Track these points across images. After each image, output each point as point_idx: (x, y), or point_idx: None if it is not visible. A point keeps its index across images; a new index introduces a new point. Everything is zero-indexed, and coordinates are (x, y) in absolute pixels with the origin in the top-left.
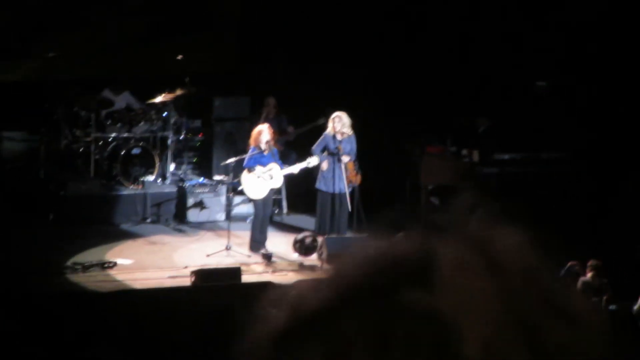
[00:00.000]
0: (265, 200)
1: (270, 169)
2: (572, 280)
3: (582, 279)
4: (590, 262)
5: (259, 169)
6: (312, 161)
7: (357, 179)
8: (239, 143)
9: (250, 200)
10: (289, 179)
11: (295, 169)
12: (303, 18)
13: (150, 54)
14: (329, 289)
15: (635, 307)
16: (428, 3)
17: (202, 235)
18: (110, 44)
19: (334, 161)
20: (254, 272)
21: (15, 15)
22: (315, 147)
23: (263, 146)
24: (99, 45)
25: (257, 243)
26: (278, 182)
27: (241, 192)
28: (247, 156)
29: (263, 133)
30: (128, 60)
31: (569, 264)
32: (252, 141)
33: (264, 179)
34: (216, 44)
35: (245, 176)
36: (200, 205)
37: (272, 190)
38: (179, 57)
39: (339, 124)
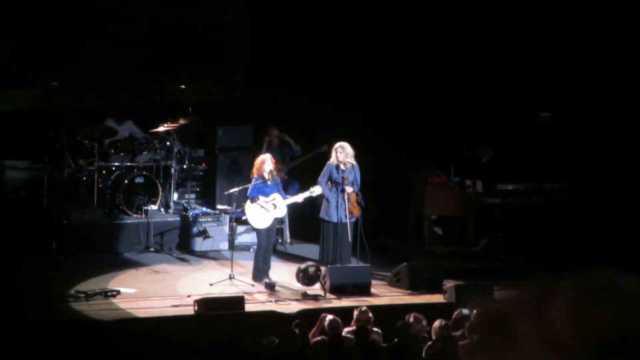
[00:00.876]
0: (268, 229)
1: (273, 199)
2: None
3: None
4: None
5: (262, 199)
6: (315, 190)
7: (356, 211)
8: (242, 172)
9: (253, 229)
10: (292, 208)
11: (299, 198)
12: (307, 47)
13: (153, 83)
14: None
15: None
16: (430, 36)
17: (205, 265)
18: (112, 73)
19: (337, 191)
20: (258, 301)
21: (18, 44)
22: (321, 178)
23: (266, 176)
24: (102, 74)
25: (260, 272)
26: (281, 211)
27: (244, 222)
28: (250, 186)
29: (266, 163)
30: (130, 90)
31: None
32: (255, 171)
33: (267, 209)
34: (220, 74)
35: (248, 206)
36: (203, 234)
37: (275, 219)
38: (182, 87)
39: (342, 154)
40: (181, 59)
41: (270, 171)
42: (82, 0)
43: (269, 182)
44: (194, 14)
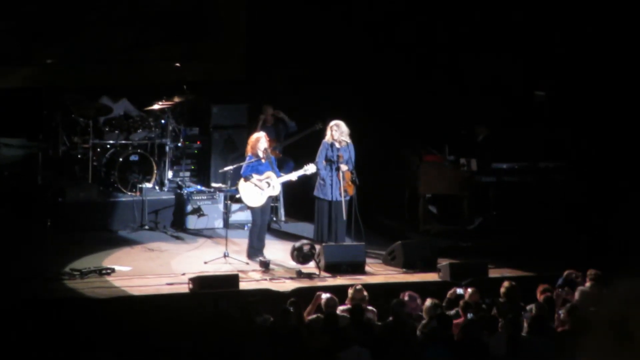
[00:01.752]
0: (263, 208)
1: (267, 177)
2: (569, 290)
3: (580, 288)
4: (590, 272)
5: (255, 177)
6: (309, 168)
7: (350, 190)
8: (237, 150)
9: (247, 208)
10: (286, 186)
11: (293, 176)
12: (304, 26)
13: (148, 61)
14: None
15: None
16: (426, 13)
17: (200, 243)
18: (108, 51)
19: (332, 169)
20: (252, 279)
21: (14, 22)
22: (318, 158)
23: (260, 154)
24: (97, 52)
25: (254, 250)
26: (275, 190)
27: (239, 200)
28: (244, 164)
29: (260, 141)
30: (125, 68)
31: (566, 272)
32: (249, 149)
33: (260, 187)
34: (215, 53)
35: (242, 184)
36: (198, 212)
37: (270, 198)
38: (177, 65)
39: (337, 132)
40: (176, 37)
41: (265, 149)
42: None
43: (263, 161)
44: None
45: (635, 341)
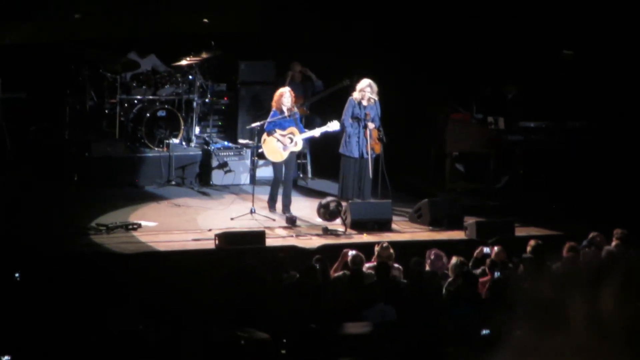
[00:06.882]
0: (286, 163)
1: (290, 133)
2: (595, 250)
3: (606, 248)
4: (616, 231)
5: (278, 132)
6: (332, 125)
7: (378, 148)
8: (264, 107)
9: (270, 162)
10: (313, 143)
11: (316, 132)
12: None
13: (176, 14)
14: None
15: None
16: None
17: (226, 199)
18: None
19: (359, 127)
20: (278, 236)
21: None
22: (344, 115)
23: (285, 109)
24: (124, 5)
25: (273, 202)
26: (298, 145)
27: (264, 156)
28: (267, 119)
29: (284, 96)
30: (153, 22)
31: (591, 235)
32: (273, 104)
33: (283, 142)
34: (241, 6)
35: (264, 139)
36: (224, 168)
37: (292, 153)
38: (205, 20)
39: (369, 90)
40: None
41: (290, 105)
42: None
43: (287, 116)
44: None
45: (570, 322)
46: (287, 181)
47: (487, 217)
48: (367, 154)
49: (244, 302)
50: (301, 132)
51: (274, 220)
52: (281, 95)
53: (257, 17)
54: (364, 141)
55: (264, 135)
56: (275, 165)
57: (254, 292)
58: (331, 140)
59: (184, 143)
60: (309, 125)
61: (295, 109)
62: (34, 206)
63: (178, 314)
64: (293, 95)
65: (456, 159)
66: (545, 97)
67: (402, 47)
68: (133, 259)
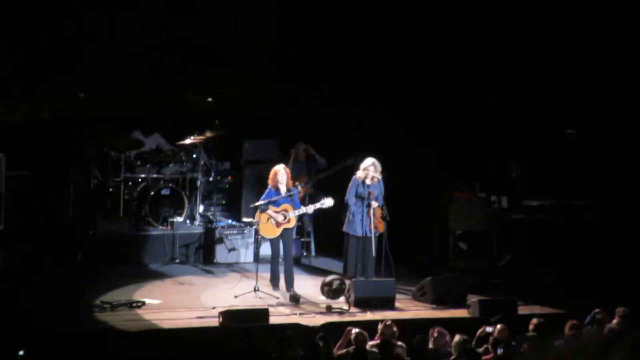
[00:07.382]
0: (283, 239)
1: (284, 209)
2: (597, 328)
3: (609, 325)
4: (619, 309)
5: (272, 209)
6: (326, 202)
7: (381, 226)
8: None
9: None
10: (317, 221)
11: (310, 209)
12: (332, 62)
13: (180, 94)
14: None
15: None
16: (460, 50)
17: (230, 277)
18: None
19: (363, 205)
20: (282, 314)
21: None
22: (348, 194)
23: (280, 187)
24: (128, 84)
25: (275, 280)
26: (291, 222)
27: None
28: (262, 196)
29: (279, 173)
30: (157, 100)
31: (594, 311)
32: (269, 181)
33: (276, 219)
34: (245, 86)
35: (258, 216)
36: (228, 246)
37: (287, 230)
38: (209, 99)
39: (373, 169)
40: (207, 68)
41: (285, 181)
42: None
43: (282, 193)
44: (208, 25)
45: None
46: (287, 258)
47: (490, 295)
48: (371, 232)
49: None
50: (296, 208)
51: (277, 297)
52: (276, 173)
53: (260, 96)
54: (368, 219)
55: (258, 212)
56: (271, 241)
57: None
58: (334, 218)
59: (188, 221)
60: (314, 202)
61: (296, 186)
62: (38, 283)
63: None
64: (288, 172)
65: (459, 237)
66: (549, 176)
67: (407, 126)
68: (137, 337)
